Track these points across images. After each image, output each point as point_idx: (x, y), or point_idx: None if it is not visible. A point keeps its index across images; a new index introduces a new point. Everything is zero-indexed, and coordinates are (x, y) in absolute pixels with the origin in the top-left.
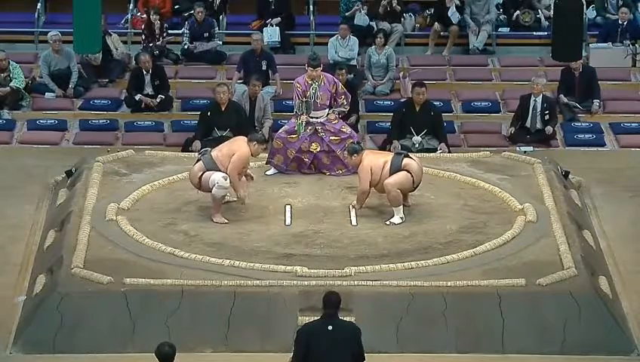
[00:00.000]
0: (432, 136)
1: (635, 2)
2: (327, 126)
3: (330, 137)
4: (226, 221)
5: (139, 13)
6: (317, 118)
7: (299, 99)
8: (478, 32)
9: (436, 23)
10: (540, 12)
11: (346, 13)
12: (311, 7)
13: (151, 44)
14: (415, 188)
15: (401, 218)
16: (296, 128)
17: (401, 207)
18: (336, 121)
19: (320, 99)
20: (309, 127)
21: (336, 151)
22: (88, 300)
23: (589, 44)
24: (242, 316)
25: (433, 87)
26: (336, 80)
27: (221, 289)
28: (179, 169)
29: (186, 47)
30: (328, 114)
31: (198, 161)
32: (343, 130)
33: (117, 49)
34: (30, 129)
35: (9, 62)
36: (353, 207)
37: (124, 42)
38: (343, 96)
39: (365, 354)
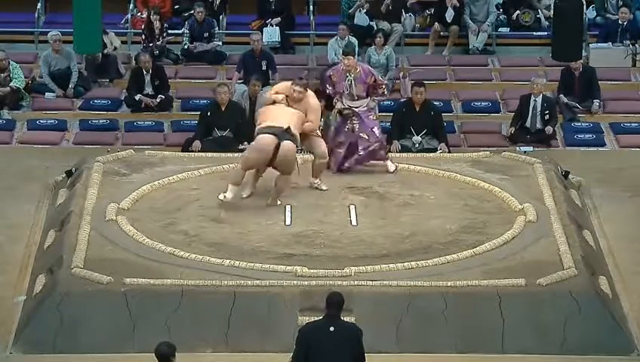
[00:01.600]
0: (432, 136)
1: (635, 2)
2: (363, 120)
3: (361, 134)
4: (226, 197)
5: (139, 13)
6: (355, 107)
7: (330, 89)
8: (478, 32)
9: (436, 22)
10: (540, 12)
11: (349, 11)
12: (311, 7)
13: (151, 44)
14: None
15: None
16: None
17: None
18: (374, 118)
19: (357, 90)
20: (346, 112)
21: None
22: (88, 300)
23: (589, 44)
24: (242, 316)
25: (433, 87)
26: (372, 71)
27: (221, 289)
28: (179, 169)
29: (186, 47)
30: (367, 103)
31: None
32: (375, 131)
33: (115, 47)
34: (30, 129)
35: (9, 62)
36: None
37: (124, 42)
38: (383, 86)
39: (365, 355)
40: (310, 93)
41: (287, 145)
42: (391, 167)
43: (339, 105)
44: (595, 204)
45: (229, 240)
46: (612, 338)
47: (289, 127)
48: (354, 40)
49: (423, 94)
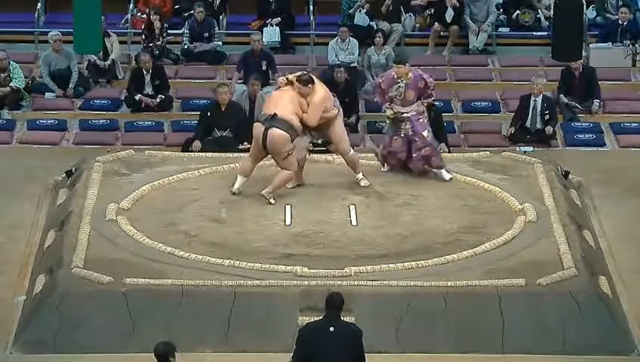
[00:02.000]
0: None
1: (635, 2)
2: (414, 124)
3: (415, 138)
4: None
5: (139, 13)
6: (406, 112)
7: (379, 97)
8: (478, 32)
9: (436, 22)
10: (540, 12)
11: (350, 11)
12: (311, 7)
13: (151, 44)
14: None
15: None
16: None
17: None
18: (422, 120)
19: (408, 95)
20: (396, 117)
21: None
22: (88, 300)
23: (589, 44)
24: (242, 316)
25: None
26: (423, 75)
27: (221, 289)
28: (179, 169)
29: (186, 47)
30: (418, 107)
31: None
32: (424, 134)
33: (112, 60)
34: (30, 129)
35: (9, 62)
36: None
37: (124, 42)
38: (431, 87)
39: (365, 355)
40: (318, 88)
41: (270, 131)
42: (446, 175)
43: (389, 113)
44: (595, 204)
45: (229, 240)
46: (612, 338)
47: (275, 114)
48: (354, 42)
49: None
